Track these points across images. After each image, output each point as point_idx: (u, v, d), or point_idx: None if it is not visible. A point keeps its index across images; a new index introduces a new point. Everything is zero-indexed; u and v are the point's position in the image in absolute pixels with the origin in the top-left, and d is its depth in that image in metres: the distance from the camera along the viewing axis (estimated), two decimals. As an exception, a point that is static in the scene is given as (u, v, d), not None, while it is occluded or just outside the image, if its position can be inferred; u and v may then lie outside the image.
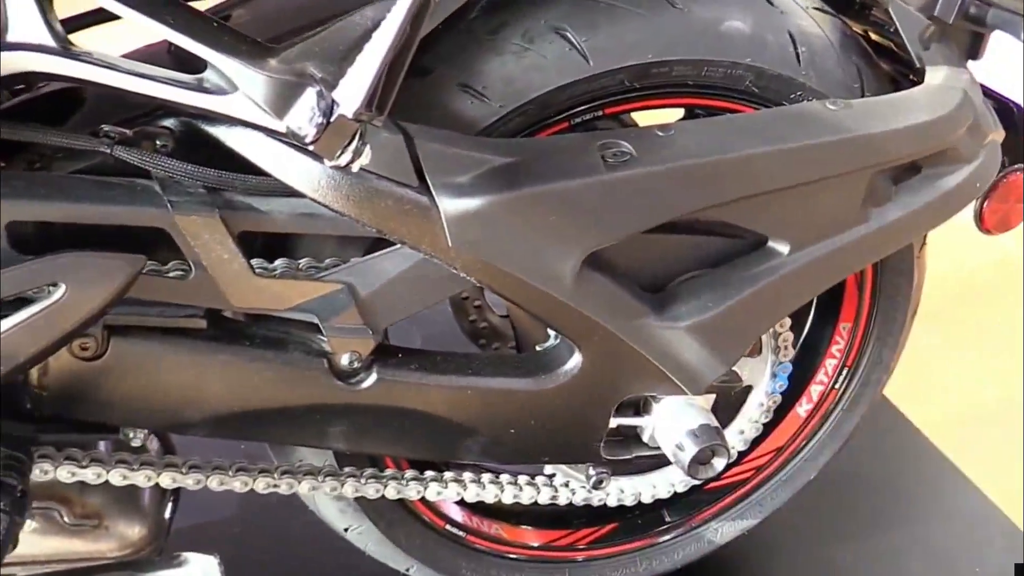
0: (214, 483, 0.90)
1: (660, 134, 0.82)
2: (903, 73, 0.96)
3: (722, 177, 0.83)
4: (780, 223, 0.87)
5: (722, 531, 1.18)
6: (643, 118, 0.97)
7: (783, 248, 0.87)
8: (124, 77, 0.66)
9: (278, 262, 0.80)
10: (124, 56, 0.71)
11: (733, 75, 0.89)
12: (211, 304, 0.78)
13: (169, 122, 0.76)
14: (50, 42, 0.66)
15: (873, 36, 0.99)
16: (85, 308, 0.72)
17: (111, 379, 0.79)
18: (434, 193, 0.74)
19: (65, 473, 0.83)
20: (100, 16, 0.81)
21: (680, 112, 0.96)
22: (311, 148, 0.64)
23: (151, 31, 0.67)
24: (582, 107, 0.87)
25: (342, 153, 0.65)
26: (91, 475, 0.84)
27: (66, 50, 0.66)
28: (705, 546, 1.18)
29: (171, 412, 0.83)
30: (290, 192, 0.74)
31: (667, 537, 1.16)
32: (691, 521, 1.16)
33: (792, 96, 0.91)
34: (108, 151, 0.73)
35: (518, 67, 0.83)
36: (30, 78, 0.68)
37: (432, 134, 0.75)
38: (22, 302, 0.72)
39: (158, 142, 0.76)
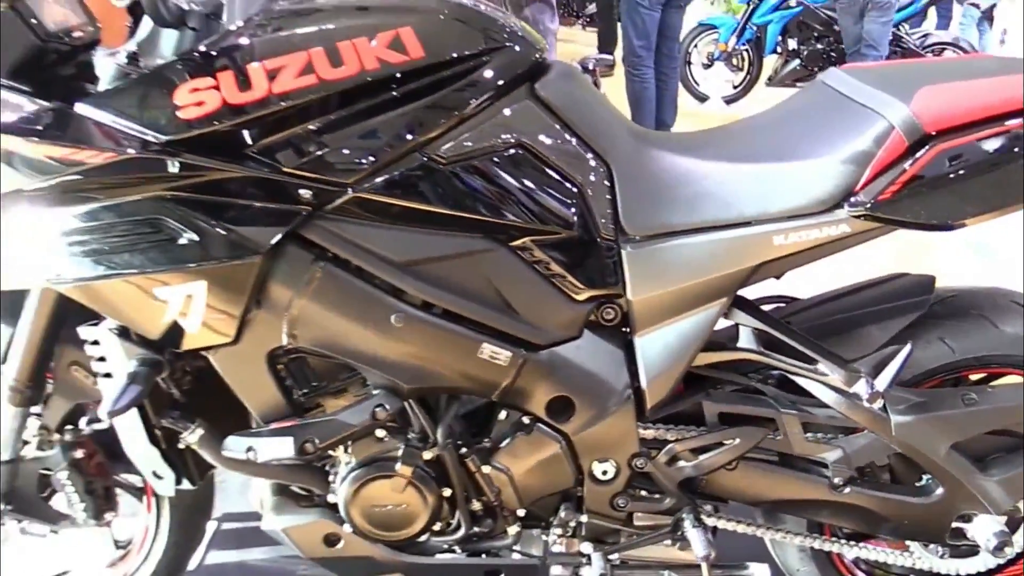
0: (740, 528, 1.91)
1: (989, 390, 1.79)
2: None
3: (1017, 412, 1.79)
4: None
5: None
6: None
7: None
8: (796, 370, 1.71)
9: (807, 434, 1.82)
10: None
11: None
12: (783, 450, 1.80)
13: (772, 374, 1.81)
14: (756, 347, 1.71)
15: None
16: (740, 451, 1.76)
17: (740, 482, 1.83)
18: (890, 412, 1.74)
19: (721, 523, 1.87)
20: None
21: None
22: (864, 401, 1.66)
23: (769, 338, 1.72)
24: (945, 375, 1.84)
25: (873, 404, 1.66)
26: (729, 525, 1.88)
27: (767, 354, 1.71)
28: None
29: (757, 498, 1.85)
30: (825, 406, 1.76)
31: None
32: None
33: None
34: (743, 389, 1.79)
35: (919, 354, 1.82)
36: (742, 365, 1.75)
37: (888, 385, 1.76)
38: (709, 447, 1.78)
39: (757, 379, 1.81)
